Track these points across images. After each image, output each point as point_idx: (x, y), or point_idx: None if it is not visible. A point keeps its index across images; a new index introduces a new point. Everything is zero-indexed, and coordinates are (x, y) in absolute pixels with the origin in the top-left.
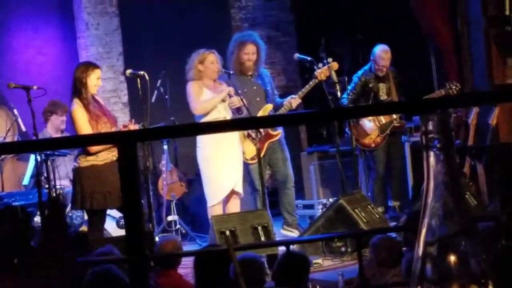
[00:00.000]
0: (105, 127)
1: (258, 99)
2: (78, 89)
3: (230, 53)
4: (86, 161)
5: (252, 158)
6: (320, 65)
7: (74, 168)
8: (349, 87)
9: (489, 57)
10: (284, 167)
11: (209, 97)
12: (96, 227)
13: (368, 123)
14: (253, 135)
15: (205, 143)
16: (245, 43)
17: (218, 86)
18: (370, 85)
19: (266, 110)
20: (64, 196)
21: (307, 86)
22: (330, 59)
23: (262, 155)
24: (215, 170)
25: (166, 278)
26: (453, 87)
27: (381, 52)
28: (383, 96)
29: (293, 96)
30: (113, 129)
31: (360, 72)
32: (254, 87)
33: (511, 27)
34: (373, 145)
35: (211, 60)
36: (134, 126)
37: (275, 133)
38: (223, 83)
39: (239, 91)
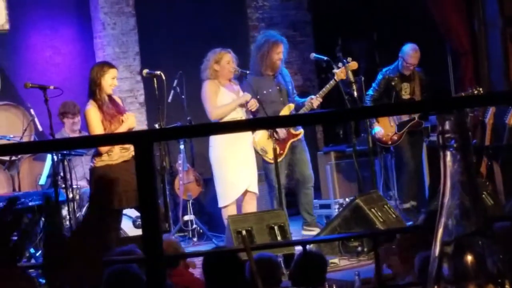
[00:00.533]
0: (119, 127)
1: (281, 98)
2: (92, 90)
3: (260, 52)
4: (101, 161)
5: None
6: (340, 64)
7: (90, 168)
8: (373, 84)
9: (506, 57)
10: (305, 167)
11: (226, 98)
12: (112, 226)
13: (376, 129)
14: (276, 135)
15: (217, 143)
16: (278, 43)
17: (234, 85)
18: (393, 83)
19: (288, 109)
20: (81, 196)
21: (327, 86)
22: (349, 59)
23: (284, 154)
24: (228, 171)
25: (178, 277)
26: (476, 92)
27: (411, 50)
28: (405, 96)
29: (313, 96)
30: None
31: (385, 70)
32: (277, 87)
33: None
34: (389, 142)
35: (227, 59)
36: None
37: (296, 132)
38: (237, 83)
39: (264, 91)
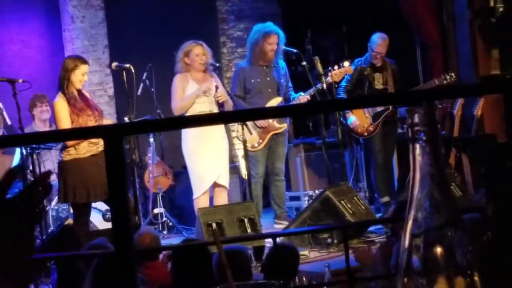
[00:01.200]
0: (88, 120)
1: (269, 90)
2: (61, 84)
3: (252, 42)
4: (68, 155)
5: (252, 146)
6: (336, 67)
7: (58, 162)
8: (346, 76)
9: (474, 49)
10: (278, 160)
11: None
12: (80, 220)
13: (351, 118)
14: (258, 124)
15: (189, 135)
16: (269, 34)
17: (208, 78)
18: (365, 73)
19: (274, 102)
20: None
21: (318, 86)
22: (346, 63)
23: (263, 144)
24: (199, 163)
25: (151, 269)
26: (448, 77)
27: (378, 38)
28: (378, 86)
29: (302, 93)
30: (98, 123)
31: (356, 60)
32: (268, 78)
33: (496, 19)
34: (365, 133)
35: (196, 52)
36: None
37: (279, 126)
38: (214, 75)
39: (252, 80)
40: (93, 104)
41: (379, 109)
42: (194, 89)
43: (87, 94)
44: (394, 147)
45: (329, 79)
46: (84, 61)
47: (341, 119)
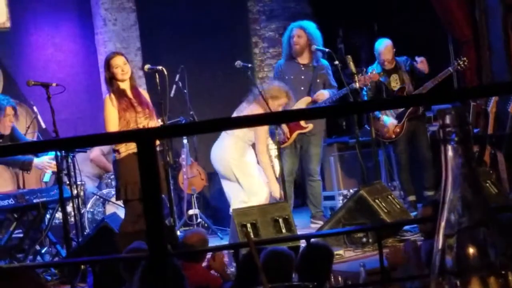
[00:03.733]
0: (137, 117)
1: (302, 88)
2: (107, 80)
3: (284, 38)
4: (119, 154)
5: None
6: (361, 74)
7: (113, 160)
8: (364, 88)
9: (507, 45)
10: (309, 160)
11: None
12: (129, 219)
13: (387, 119)
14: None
15: (233, 155)
16: (292, 29)
17: None
18: (381, 78)
19: (303, 102)
20: (85, 192)
21: (344, 91)
22: (373, 70)
23: (288, 143)
24: (252, 178)
25: (191, 271)
26: (461, 62)
27: (381, 47)
28: (396, 86)
29: (322, 91)
30: (146, 120)
31: (370, 68)
32: (302, 76)
33: None
34: (393, 136)
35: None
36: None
37: (305, 125)
38: None
39: (286, 77)
40: (145, 102)
41: (400, 109)
42: None
43: (144, 93)
44: (427, 143)
45: (353, 85)
46: (116, 53)
47: (366, 126)
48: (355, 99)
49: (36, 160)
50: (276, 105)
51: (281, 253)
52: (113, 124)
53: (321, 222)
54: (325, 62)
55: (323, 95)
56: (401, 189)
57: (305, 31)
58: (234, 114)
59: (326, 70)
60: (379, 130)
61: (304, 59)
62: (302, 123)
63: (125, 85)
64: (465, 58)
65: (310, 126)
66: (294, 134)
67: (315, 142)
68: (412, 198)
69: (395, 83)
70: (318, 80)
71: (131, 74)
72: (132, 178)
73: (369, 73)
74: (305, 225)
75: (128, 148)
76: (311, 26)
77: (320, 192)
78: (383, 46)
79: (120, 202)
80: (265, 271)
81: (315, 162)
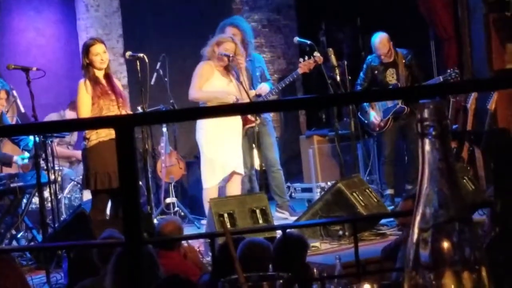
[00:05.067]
0: (110, 105)
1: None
2: (84, 66)
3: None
4: (90, 141)
5: None
6: (306, 57)
7: (82, 150)
8: (361, 73)
9: (489, 43)
10: (267, 150)
11: (218, 84)
12: (98, 207)
13: (372, 113)
14: None
15: (206, 125)
16: (224, 27)
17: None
18: (375, 72)
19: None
20: (63, 177)
21: (290, 78)
22: (316, 53)
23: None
24: (216, 152)
25: (167, 259)
26: (453, 74)
27: (376, 41)
28: (392, 81)
29: (264, 84)
30: (119, 110)
31: (369, 58)
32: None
33: (511, 13)
34: (377, 128)
35: (226, 47)
36: None
37: (252, 119)
38: (233, 72)
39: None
40: (118, 91)
41: (389, 105)
42: (219, 83)
43: (117, 81)
44: (416, 138)
45: (298, 71)
46: (97, 40)
47: (359, 114)
48: (335, 91)
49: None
50: (223, 50)
51: (259, 244)
52: (86, 110)
53: (287, 212)
54: (259, 55)
55: (266, 87)
56: (381, 182)
57: (238, 28)
58: None
59: (261, 61)
60: (367, 121)
61: (239, 56)
62: (250, 116)
63: (100, 73)
64: (457, 71)
65: (258, 120)
66: (244, 130)
67: (266, 132)
68: (390, 191)
69: (391, 77)
70: (257, 74)
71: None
72: (102, 167)
73: (312, 57)
74: (278, 218)
75: (98, 136)
76: (241, 21)
77: (282, 181)
78: (378, 39)
79: None
80: (242, 262)
81: (271, 151)
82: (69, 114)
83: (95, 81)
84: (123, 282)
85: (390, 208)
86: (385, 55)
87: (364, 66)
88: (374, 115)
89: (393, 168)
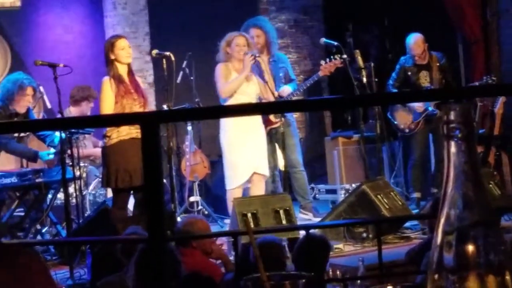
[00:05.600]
0: (133, 104)
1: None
2: (107, 65)
3: None
4: (111, 140)
5: None
6: (327, 60)
7: (102, 148)
8: (393, 74)
9: None
10: (290, 152)
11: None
12: (120, 205)
13: (398, 118)
14: None
15: (228, 126)
16: (248, 28)
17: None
18: (409, 73)
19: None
20: (88, 174)
21: (311, 80)
22: (337, 56)
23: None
24: (237, 154)
25: (189, 257)
26: (489, 81)
27: (411, 42)
28: (425, 84)
29: (286, 86)
30: (140, 109)
31: (402, 59)
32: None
33: None
34: (407, 130)
35: (237, 42)
36: None
37: (276, 120)
38: (253, 72)
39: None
40: (140, 89)
41: (419, 110)
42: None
43: (139, 80)
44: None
45: (318, 73)
46: (120, 36)
47: (388, 114)
48: (361, 93)
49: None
50: (235, 46)
51: (272, 242)
52: (108, 108)
53: (311, 213)
54: (283, 55)
55: (288, 89)
56: (408, 184)
57: (262, 29)
58: None
59: (285, 62)
60: (400, 119)
61: (264, 56)
62: (272, 118)
63: (124, 69)
64: (494, 78)
65: (281, 121)
66: (267, 130)
67: (289, 133)
68: (417, 195)
69: (424, 80)
70: (280, 74)
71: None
72: (123, 165)
73: (333, 60)
74: (302, 218)
75: (119, 135)
76: (265, 21)
77: (305, 183)
78: (413, 40)
79: None
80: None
81: (294, 152)
82: (74, 111)
83: (119, 79)
84: (145, 278)
85: (415, 211)
86: (419, 56)
87: (397, 66)
88: (405, 116)
89: (421, 171)
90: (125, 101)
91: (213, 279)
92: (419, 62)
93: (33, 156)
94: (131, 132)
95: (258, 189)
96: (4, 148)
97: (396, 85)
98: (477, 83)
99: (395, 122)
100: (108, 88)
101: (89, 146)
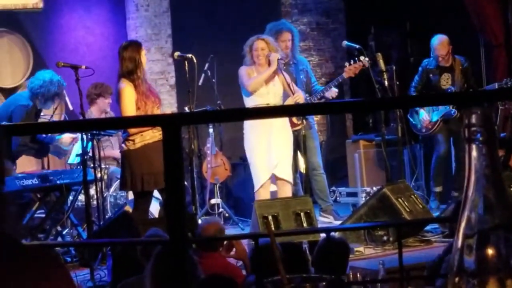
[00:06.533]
0: (153, 107)
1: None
2: (130, 69)
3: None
4: (134, 144)
5: None
6: (352, 62)
7: (122, 150)
8: (416, 76)
9: None
10: (311, 154)
11: (261, 89)
12: (142, 208)
13: (422, 113)
14: None
15: (252, 129)
16: (281, 31)
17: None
18: (431, 75)
19: (290, 100)
20: (109, 175)
21: (335, 82)
22: (362, 57)
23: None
24: (258, 156)
25: (209, 260)
26: (509, 83)
27: (436, 42)
28: (446, 86)
29: (329, 88)
30: (158, 110)
31: (424, 61)
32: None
33: None
34: (423, 130)
35: (257, 46)
36: None
37: (298, 122)
38: (279, 72)
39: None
40: (154, 91)
41: (441, 108)
42: (262, 87)
43: (148, 80)
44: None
45: (343, 75)
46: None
47: (408, 116)
48: (382, 96)
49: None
50: (255, 51)
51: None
52: (131, 111)
53: (331, 216)
54: (303, 58)
55: (301, 96)
56: (431, 178)
57: (293, 34)
58: None
59: (306, 65)
60: (414, 121)
61: (286, 58)
62: (294, 120)
63: (143, 74)
64: None
65: (301, 123)
66: None
67: (310, 136)
68: (439, 189)
69: (445, 82)
70: (301, 76)
71: None
72: (148, 169)
73: (357, 62)
74: (322, 221)
75: (143, 139)
76: (290, 25)
77: (325, 185)
78: (438, 41)
79: None
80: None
81: (314, 155)
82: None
83: (140, 83)
84: (162, 281)
85: (435, 207)
86: (443, 57)
87: (420, 69)
88: (424, 115)
89: (444, 166)
90: (148, 107)
91: (235, 281)
92: (442, 64)
93: (64, 154)
94: (154, 135)
95: (284, 194)
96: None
97: (418, 88)
98: (496, 85)
99: (414, 123)
100: (131, 92)
101: (115, 146)
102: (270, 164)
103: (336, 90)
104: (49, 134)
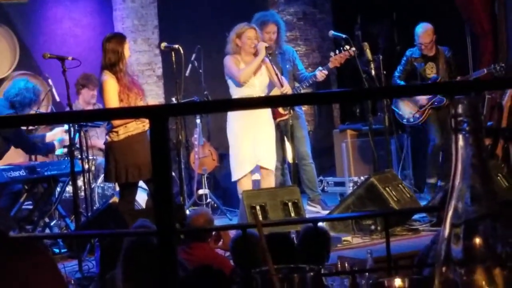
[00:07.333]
0: (136, 99)
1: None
2: (113, 61)
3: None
4: (118, 135)
5: None
6: (337, 51)
7: (106, 142)
8: (399, 67)
9: None
10: (299, 144)
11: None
12: (127, 199)
13: (403, 108)
14: None
15: (235, 118)
16: (267, 23)
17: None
18: (415, 64)
19: (281, 91)
20: (96, 167)
21: (329, 65)
22: (347, 46)
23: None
24: (241, 146)
25: (199, 250)
26: (498, 68)
27: (420, 30)
28: (431, 75)
29: (320, 68)
30: (141, 102)
31: (408, 51)
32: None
33: None
34: (411, 119)
35: (248, 35)
36: None
37: (285, 112)
38: (266, 61)
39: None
40: (137, 83)
41: (423, 102)
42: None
43: (131, 72)
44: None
45: (329, 65)
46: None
47: (393, 106)
48: (370, 86)
49: (49, 134)
50: (246, 39)
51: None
52: (114, 103)
53: (319, 206)
54: (289, 47)
55: (323, 73)
56: (427, 169)
57: (279, 26)
58: None
59: (292, 54)
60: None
61: (270, 49)
62: (281, 110)
63: (125, 67)
64: (503, 65)
65: (288, 113)
66: (276, 123)
67: (298, 125)
68: (433, 180)
69: (430, 71)
70: (287, 66)
71: None
72: (132, 160)
73: (343, 51)
74: (310, 211)
75: (127, 131)
76: (277, 16)
77: (314, 175)
78: (423, 29)
79: None
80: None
81: (303, 145)
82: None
83: (123, 74)
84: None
85: (427, 199)
86: (426, 45)
87: (404, 58)
88: (408, 104)
89: (439, 157)
90: (131, 99)
91: (223, 272)
92: (426, 53)
93: (52, 150)
94: (138, 127)
95: (268, 183)
96: (26, 143)
97: (402, 77)
98: (485, 70)
99: (400, 113)
100: (113, 84)
101: (101, 136)
102: (254, 154)
103: (326, 72)
104: (46, 146)
